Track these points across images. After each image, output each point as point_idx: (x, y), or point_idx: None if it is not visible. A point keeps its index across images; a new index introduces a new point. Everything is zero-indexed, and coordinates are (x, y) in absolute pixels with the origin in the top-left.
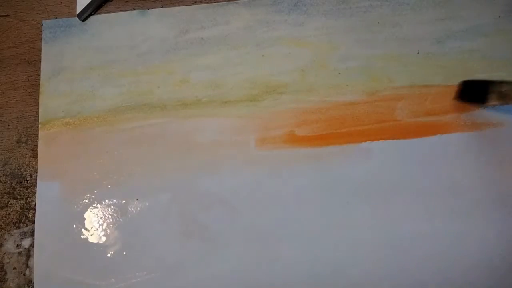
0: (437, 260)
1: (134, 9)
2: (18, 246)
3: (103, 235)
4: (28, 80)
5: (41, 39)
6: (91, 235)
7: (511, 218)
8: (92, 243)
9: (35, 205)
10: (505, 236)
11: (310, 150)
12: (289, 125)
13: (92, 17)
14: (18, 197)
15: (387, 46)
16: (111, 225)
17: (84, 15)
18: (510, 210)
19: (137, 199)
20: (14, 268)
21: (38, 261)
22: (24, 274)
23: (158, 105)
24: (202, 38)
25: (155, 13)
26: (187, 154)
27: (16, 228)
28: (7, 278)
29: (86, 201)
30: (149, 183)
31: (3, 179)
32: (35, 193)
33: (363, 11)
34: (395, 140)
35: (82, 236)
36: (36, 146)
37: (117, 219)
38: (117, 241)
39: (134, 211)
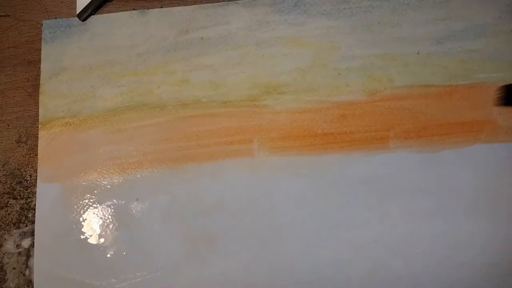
0: (436, 259)
1: (134, 9)
2: (18, 246)
3: (103, 235)
4: (28, 80)
5: (41, 39)
6: (91, 235)
7: (508, 217)
8: (92, 243)
9: (35, 205)
10: (504, 235)
11: (310, 150)
12: (289, 125)
13: (92, 17)
14: (18, 197)
15: (387, 46)
16: (111, 225)
17: (84, 15)
18: (507, 209)
19: (137, 199)
20: (14, 268)
21: (38, 261)
22: (24, 274)
23: (158, 105)
24: (202, 38)
25: (155, 13)
26: (187, 154)
27: (16, 228)
28: (7, 278)
29: (86, 201)
30: (149, 183)
31: (3, 179)
32: (35, 193)
33: (363, 11)
34: (394, 140)
35: (82, 236)
36: (36, 146)
37: (117, 219)
38: (117, 241)
39: (134, 211)
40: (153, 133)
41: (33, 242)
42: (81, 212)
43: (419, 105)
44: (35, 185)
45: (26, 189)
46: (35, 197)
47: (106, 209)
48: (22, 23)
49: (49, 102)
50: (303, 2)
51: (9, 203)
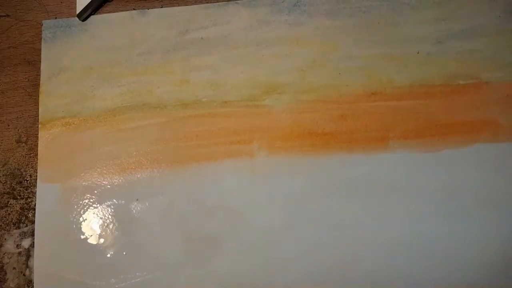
0: (436, 259)
1: (134, 9)
2: (18, 246)
3: (103, 235)
4: (28, 80)
5: (41, 39)
6: (91, 235)
7: (508, 217)
8: (92, 243)
9: (35, 205)
10: (502, 235)
11: (310, 150)
12: (289, 125)
13: (92, 17)
14: (18, 197)
15: (387, 46)
16: (111, 225)
17: (84, 15)
18: (507, 209)
19: (137, 200)
20: (14, 268)
21: (38, 261)
22: (24, 274)
23: (158, 105)
24: (202, 38)
25: (155, 13)
26: (187, 154)
27: (16, 228)
28: (7, 278)
29: (86, 201)
30: (149, 183)
31: (3, 179)
32: (35, 193)
33: (363, 11)
34: (394, 140)
35: (82, 236)
36: (36, 146)
37: (117, 219)
38: (117, 241)
39: (134, 212)
40: (153, 133)
41: (33, 242)
42: (81, 212)
43: (419, 105)
44: (35, 185)
45: (26, 189)
46: (35, 197)
47: (106, 209)
48: (22, 23)
49: (49, 102)
50: (303, 2)
51: (9, 203)
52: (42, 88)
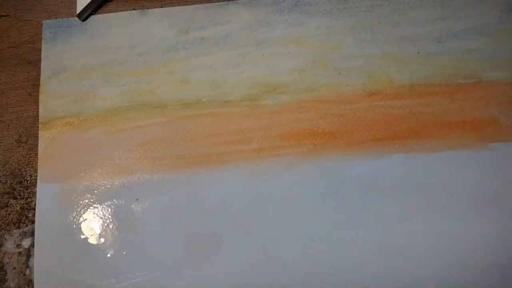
0: (435, 259)
1: (134, 9)
2: (18, 246)
3: (103, 235)
4: (28, 80)
5: (41, 39)
6: (91, 235)
7: (509, 217)
8: (92, 243)
9: (35, 205)
10: (503, 235)
11: (310, 150)
12: (289, 125)
13: (92, 17)
14: (18, 197)
15: (387, 46)
16: (111, 225)
17: (84, 15)
18: (508, 209)
19: (137, 199)
20: (14, 268)
21: (38, 261)
22: (24, 274)
23: (158, 105)
24: (202, 38)
25: (155, 13)
26: (187, 154)
27: (16, 228)
28: (7, 278)
29: (86, 201)
30: (149, 183)
31: (3, 179)
32: (35, 193)
33: (363, 10)
34: (394, 140)
35: (82, 236)
36: (36, 146)
37: (117, 219)
38: (117, 241)
39: (134, 211)
40: (153, 133)
41: (33, 242)
42: (81, 212)
43: (419, 105)
44: (35, 185)
45: (26, 189)
46: (35, 197)
47: (106, 209)
48: (23, 23)
49: (49, 102)
50: (303, 2)
51: (9, 203)
52: (42, 88)
